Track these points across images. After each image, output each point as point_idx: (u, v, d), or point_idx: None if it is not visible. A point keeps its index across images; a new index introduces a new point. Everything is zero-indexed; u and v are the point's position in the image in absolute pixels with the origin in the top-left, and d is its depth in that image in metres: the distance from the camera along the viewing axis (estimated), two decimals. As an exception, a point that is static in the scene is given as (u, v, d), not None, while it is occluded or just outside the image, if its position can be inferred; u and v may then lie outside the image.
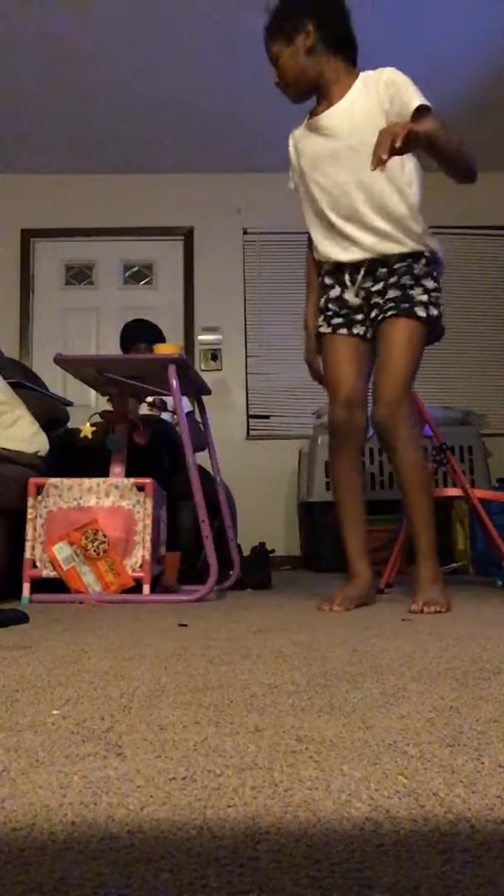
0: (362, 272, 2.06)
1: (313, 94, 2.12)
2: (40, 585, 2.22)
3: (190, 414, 3.05)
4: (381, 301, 2.03)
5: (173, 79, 4.22)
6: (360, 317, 2.08)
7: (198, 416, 2.73)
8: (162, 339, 3.34)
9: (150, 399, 3.04)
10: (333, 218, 2.06)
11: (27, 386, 2.83)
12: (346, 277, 2.08)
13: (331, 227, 2.08)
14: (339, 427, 2.06)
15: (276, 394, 4.97)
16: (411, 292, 1.99)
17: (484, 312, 5.10)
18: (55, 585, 2.21)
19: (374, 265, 2.04)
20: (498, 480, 4.06)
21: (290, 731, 0.67)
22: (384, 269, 2.04)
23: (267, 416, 4.97)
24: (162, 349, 2.39)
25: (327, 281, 2.14)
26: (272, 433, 4.91)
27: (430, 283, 2.02)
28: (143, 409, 3.15)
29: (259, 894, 0.37)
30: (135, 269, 5.23)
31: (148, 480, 2.27)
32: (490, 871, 0.39)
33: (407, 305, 1.98)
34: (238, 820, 0.46)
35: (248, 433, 4.89)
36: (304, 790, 0.52)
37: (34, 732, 0.68)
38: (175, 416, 3.14)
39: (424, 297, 2.00)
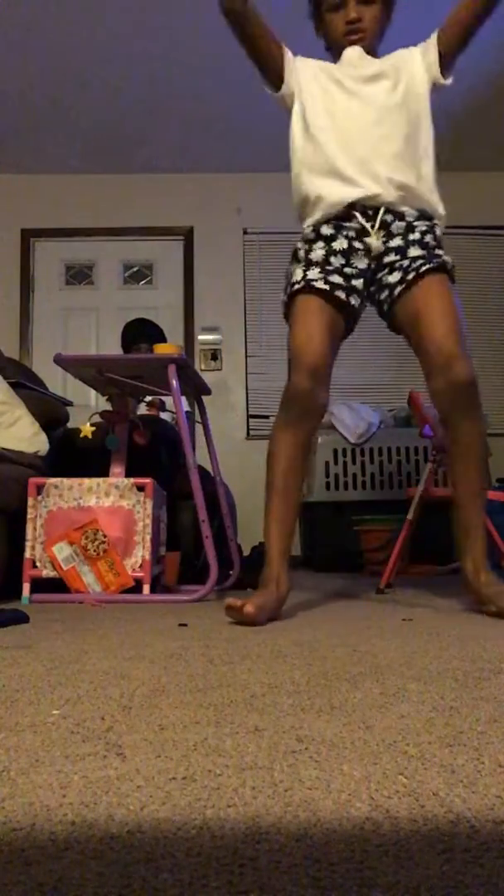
0: (378, 219, 1.82)
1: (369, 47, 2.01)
2: (40, 585, 2.22)
3: (189, 414, 3.05)
4: (399, 259, 1.79)
5: (173, 79, 4.22)
6: (359, 283, 1.82)
7: (198, 417, 2.73)
8: (163, 339, 3.34)
9: (148, 399, 3.04)
10: (342, 160, 1.84)
11: (27, 386, 2.83)
12: (362, 220, 1.82)
13: (334, 171, 1.85)
14: (301, 398, 1.73)
15: (276, 394, 4.96)
16: (438, 251, 1.81)
17: (484, 312, 5.10)
18: (55, 585, 2.21)
19: (389, 218, 1.82)
20: (498, 480, 4.06)
21: (290, 731, 0.67)
22: (401, 223, 1.83)
23: (267, 416, 4.96)
24: (162, 349, 2.39)
25: (325, 231, 1.84)
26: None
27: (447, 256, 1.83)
28: (142, 409, 3.15)
29: (259, 894, 0.37)
30: (135, 269, 5.23)
31: (148, 480, 2.27)
32: (490, 871, 0.39)
33: (440, 259, 1.77)
34: (238, 820, 0.46)
35: (248, 433, 4.89)
36: (304, 790, 0.52)
37: (34, 732, 0.68)
38: (174, 416, 3.15)
39: (449, 259, 1.82)
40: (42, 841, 0.44)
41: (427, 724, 0.69)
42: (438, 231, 1.89)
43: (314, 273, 1.81)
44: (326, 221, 1.84)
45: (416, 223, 1.84)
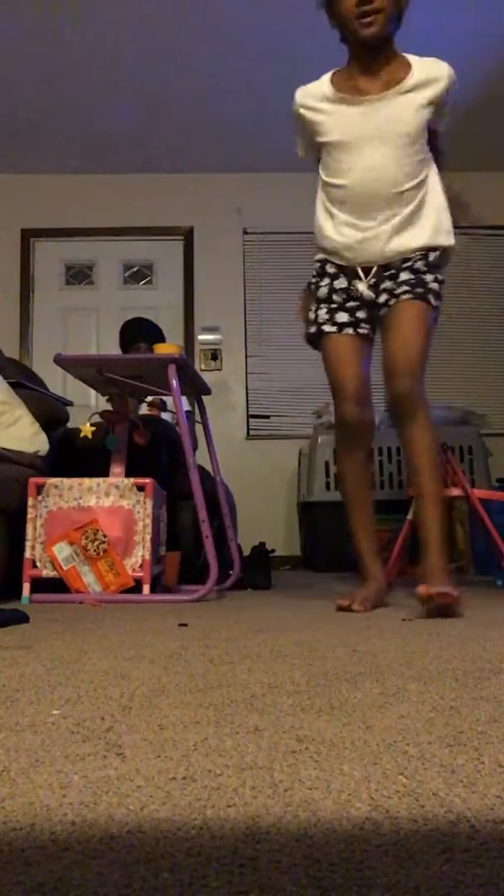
0: (374, 269, 2.00)
1: (379, 47, 1.94)
2: (40, 585, 2.22)
3: (189, 414, 3.05)
4: (392, 285, 1.96)
5: (173, 79, 4.22)
6: (363, 315, 2.03)
7: (198, 417, 2.73)
8: (162, 339, 3.34)
9: (149, 399, 3.04)
10: (353, 203, 1.99)
11: (27, 386, 2.83)
12: (359, 270, 2.01)
13: (347, 214, 2.01)
14: (352, 424, 1.99)
15: (276, 394, 4.97)
16: (426, 277, 1.94)
17: (484, 312, 5.10)
18: (55, 585, 2.21)
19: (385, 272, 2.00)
20: (498, 480, 4.06)
21: (290, 731, 0.67)
22: (398, 259, 1.98)
23: (267, 416, 4.96)
24: (162, 349, 2.39)
25: (329, 269, 2.06)
26: (272, 433, 4.91)
27: (440, 275, 1.98)
28: (143, 409, 3.15)
29: (259, 894, 0.37)
30: (135, 269, 5.23)
31: (148, 480, 2.27)
32: (490, 871, 0.39)
33: (421, 290, 1.92)
34: (238, 820, 0.46)
35: (248, 433, 4.89)
36: (304, 790, 0.52)
37: (34, 732, 0.68)
38: (174, 416, 3.14)
39: (436, 286, 1.95)
40: (42, 841, 0.44)
41: (427, 724, 0.69)
42: (432, 257, 1.97)
43: (322, 315, 2.04)
44: (330, 262, 2.05)
45: (413, 254, 1.97)
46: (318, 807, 0.48)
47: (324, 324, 2.04)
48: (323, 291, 2.05)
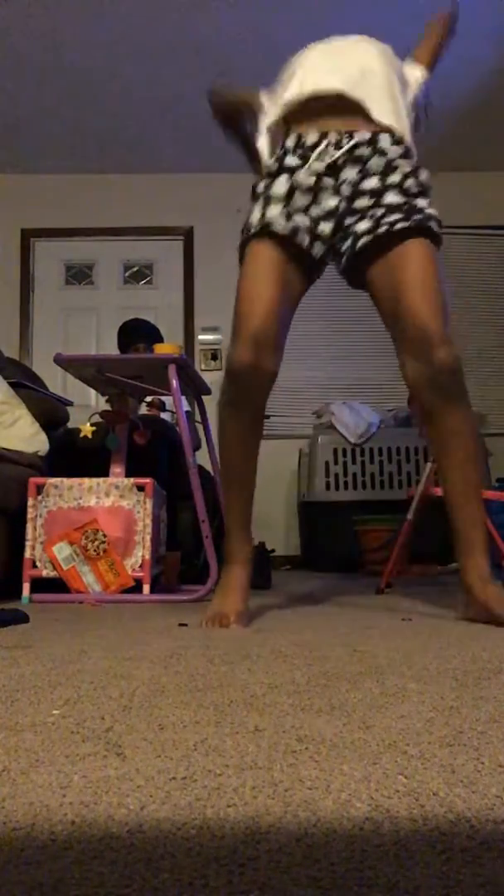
0: (344, 141, 1.56)
1: None
2: (40, 585, 2.22)
3: (189, 414, 3.06)
4: (371, 205, 1.53)
5: (173, 79, 4.22)
6: (327, 227, 1.57)
7: (198, 417, 2.73)
8: (160, 339, 3.34)
9: (148, 399, 3.04)
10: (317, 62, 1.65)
11: (27, 386, 2.83)
12: (332, 141, 1.56)
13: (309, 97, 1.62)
14: (243, 372, 1.52)
15: (276, 394, 4.95)
16: (421, 202, 1.54)
17: (484, 312, 5.10)
18: (55, 585, 2.21)
19: (365, 152, 1.56)
20: (498, 480, 4.06)
21: (290, 731, 0.67)
22: (380, 160, 1.55)
23: (267, 416, 4.96)
24: (162, 349, 2.39)
25: (290, 161, 1.59)
26: (272, 433, 4.91)
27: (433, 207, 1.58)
28: (142, 409, 3.15)
29: (259, 894, 0.37)
30: (135, 269, 5.23)
31: (148, 480, 2.27)
32: (490, 871, 0.39)
33: (420, 217, 1.51)
34: (238, 820, 0.46)
35: (248, 433, 4.89)
36: (304, 790, 0.52)
37: (34, 732, 0.68)
38: (174, 416, 3.14)
39: (433, 212, 1.56)
40: (42, 841, 0.44)
41: (427, 724, 0.69)
42: (424, 175, 1.59)
43: (274, 211, 1.55)
44: (292, 150, 1.60)
45: (397, 161, 1.56)
46: (318, 807, 0.48)
47: (274, 221, 1.56)
48: (280, 189, 1.58)
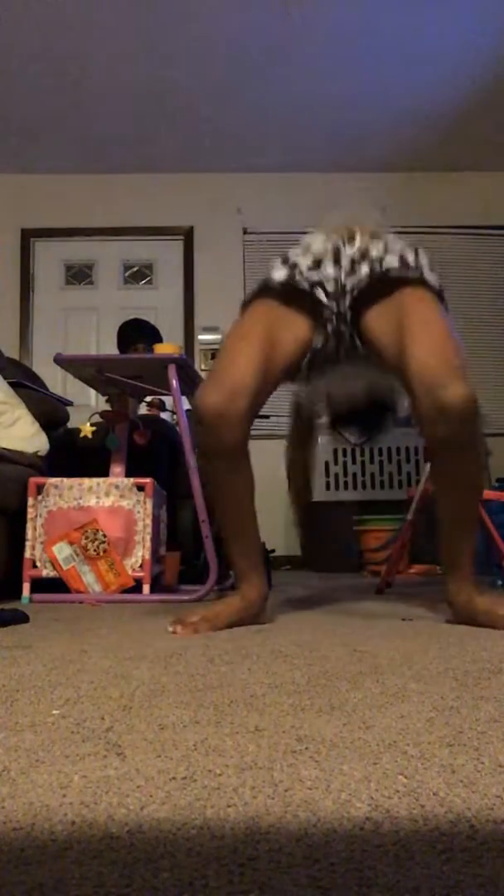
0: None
1: None
2: (40, 585, 2.22)
3: (189, 413, 3.06)
4: (368, 268, 1.55)
5: (173, 79, 4.22)
6: (330, 286, 1.56)
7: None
8: (160, 339, 3.34)
9: (148, 399, 3.04)
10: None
11: (27, 386, 2.83)
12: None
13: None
14: (207, 414, 1.43)
15: (276, 393, 4.96)
16: (421, 262, 1.56)
17: (484, 312, 5.10)
18: (55, 585, 2.21)
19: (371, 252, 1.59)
20: (498, 480, 4.06)
21: (290, 731, 0.67)
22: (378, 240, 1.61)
23: (267, 416, 4.96)
24: (162, 349, 2.39)
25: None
26: (272, 433, 4.91)
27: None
28: (142, 409, 3.15)
29: (259, 894, 0.37)
30: (135, 269, 5.23)
31: (148, 480, 2.27)
32: (490, 871, 0.39)
33: (420, 271, 1.52)
34: (238, 820, 0.46)
35: (248, 433, 4.89)
36: (304, 790, 0.52)
37: (34, 732, 0.68)
38: (174, 416, 3.14)
39: (435, 278, 1.56)
40: (42, 841, 0.44)
41: (427, 724, 0.69)
42: (424, 259, 1.60)
43: (284, 268, 1.59)
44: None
45: (399, 243, 1.61)
46: (318, 807, 0.48)
47: (282, 279, 1.58)
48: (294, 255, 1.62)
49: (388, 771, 0.55)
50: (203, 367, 4.88)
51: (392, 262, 1.55)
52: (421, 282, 1.52)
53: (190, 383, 2.58)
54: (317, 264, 1.59)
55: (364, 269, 1.55)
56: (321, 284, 1.57)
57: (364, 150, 4.94)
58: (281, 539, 4.71)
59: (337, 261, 1.59)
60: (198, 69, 4.14)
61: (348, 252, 1.59)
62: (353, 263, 1.57)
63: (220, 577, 2.36)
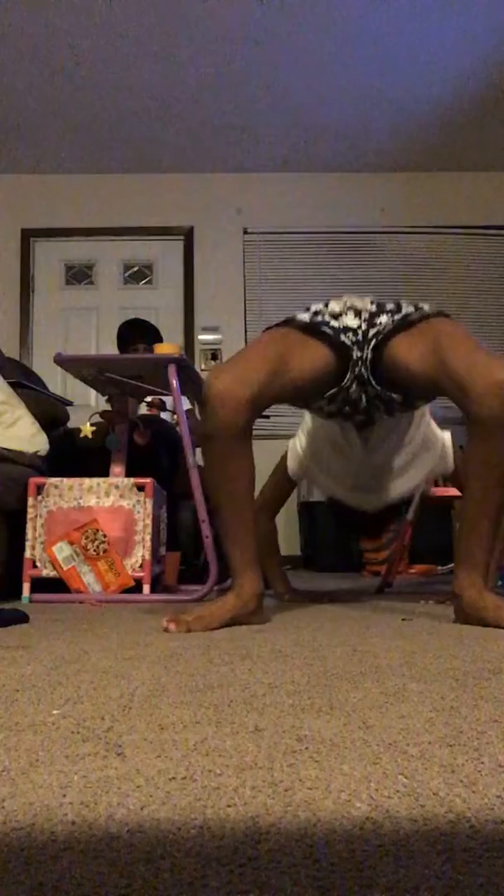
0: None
1: None
2: (40, 585, 2.22)
3: (189, 412, 3.06)
4: (388, 318, 1.68)
5: (173, 79, 4.22)
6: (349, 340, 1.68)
7: (198, 415, 2.73)
8: (159, 339, 3.34)
9: (148, 399, 3.04)
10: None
11: (27, 386, 2.83)
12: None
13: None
14: (214, 395, 1.49)
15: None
16: (422, 306, 1.69)
17: (484, 312, 5.10)
18: (55, 585, 2.21)
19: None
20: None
21: (290, 731, 0.67)
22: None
23: (267, 416, 4.96)
24: (162, 349, 2.39)
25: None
26: (272, 433, 4.91)
27: None
28: (142, 409, 3.15)
29: (259, 894, 0.37)
30: (135, 269, 5.23)
31: (148, 480, 2.27)
32: (490, 871, 0.39)
33: (432, 310, 1.67)
34: (238, 820, 0.46)
35: (248, 433, 4.88)
36: (304, 790, 0.52)
37: (34, 732, 0.68)
38: (174, 416, 3.14)
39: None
40: (42, 841, 0.44)
41: (427, 724, 0.69)
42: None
43: (320, 314, 1.70)
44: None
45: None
46: (318, 807, 0.48)
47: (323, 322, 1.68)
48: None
49: (388, 771, 0.55)
50: (203, 367, 4.88)
51: (408, 309, 1.68)
52: (438, 314, 1.65)
53: (190, 383, 2.58)
54: (337, 317, 1.70)
55: (384, 319, 1.67)
56: (344, 332, 1.67)
57: (364, 150, 4.94)
58: (281, 539, 4.71)
59: (357, 314, 1.71)
60: (198, 69, 4.14)
61: (367, 307, 1.72)
62: (372, 316, 1.69)
63: (221, 577, 2.36)
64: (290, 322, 1.70)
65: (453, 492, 2.70)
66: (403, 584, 2.81)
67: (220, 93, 4.34)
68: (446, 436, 2.15)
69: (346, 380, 1.69)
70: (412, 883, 0.38)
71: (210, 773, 0.56)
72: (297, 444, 2.16)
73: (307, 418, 2.13)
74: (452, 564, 3.63)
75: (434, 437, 2.11)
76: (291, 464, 2.16)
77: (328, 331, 1.66)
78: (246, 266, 5.12)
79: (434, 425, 2.12)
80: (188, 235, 5.15)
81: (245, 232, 5.16)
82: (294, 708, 0.76)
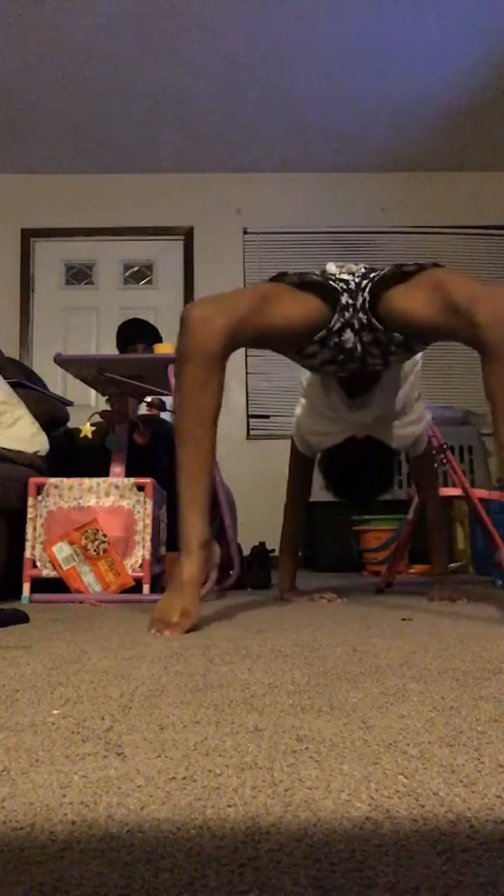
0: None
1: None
2: (40, 585, 2.22)
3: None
4: (379, 274, 1.71)
5: (173, 79, 4.22)
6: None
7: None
8: (159, 339, 3.34)
9: (148, 399, 3.04)
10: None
11: (27, 386, 2.83)
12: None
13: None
14: (192, 322, 1.50)
15: (276, 394, 4.97)
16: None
17: (484, 312, 5.10)
18: (55, 585, 2.21)
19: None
20: (498, 480, 4.06)
21: (290, 731, 0.67)
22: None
23: (267, 416, 4.96)
24: (162, 349, 2.39)
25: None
26: (272, 433, 4.91)
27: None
28: (142, 409, 3.15)
29: (259, 894, 0.37)
30: (135, 269, 5.23)
31: (148, 480, 2.27)
32: (490, 871, 0.39)
33: (408, 264, 1.68)
34: (238, 820, 0.46)
35: (248, 433, 4.89)
36: (304, 790, 0.52)
37: (34, 732, 0.68)
38: (174, 416, 3.14)
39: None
40: (42, 841, 0.44)
41: (427, 724, 0.69)
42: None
43: (310, 273, 1.73)
44: None
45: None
46: (318, 807, 0.48)
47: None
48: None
49: (388, 771, 0.55)
50: (203, 367, 4.88)
51: (405, 265, 1.69)
52: (434, 265, 1.67)
53: (190, 383, 2.58)
54: (329, 276, 1.73)
55: (375, 275, 1.70)
56: (335, 281, 1.70)
57: (364, 150, 4.94)
58: (281, 539, 4.71)
59: (350, 273, 1.75)
60: (198, 69, 4.14)
61: (360, 269, 1.76)
62: (364, 273, 1.73)
63: (220, 577, 2.36)
64: (281, 276, 1.70)
65: (453, 491, 2.70)
66: (403, 584, 2.81)
67: (220, 93, 4.34)
68: (428, 416, 2.19)
69: (332, 321, 1.67)
70: (412, 883, 0.38)
71: (210, 773, 0.56)
72: (295, 420, 2.19)
73: (301, 384, 2.16)
74: (452, 564, 3.62)
75: (422, 411, 2.13)
76: (296, 439, 2.18)
77: (318, 278, 1.67)
78: (246, 266, 5.12)
79: (423, 404, 2.13)
80: (188, 235, 5.15)
81: (245, 232, 5.16)
82: (294, 708, 0.76)
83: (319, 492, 4.16)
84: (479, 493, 2.73)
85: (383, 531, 3.58)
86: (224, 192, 5.15)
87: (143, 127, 4.67)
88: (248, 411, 4.91)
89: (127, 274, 5.22)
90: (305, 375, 2.13)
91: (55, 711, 0.76)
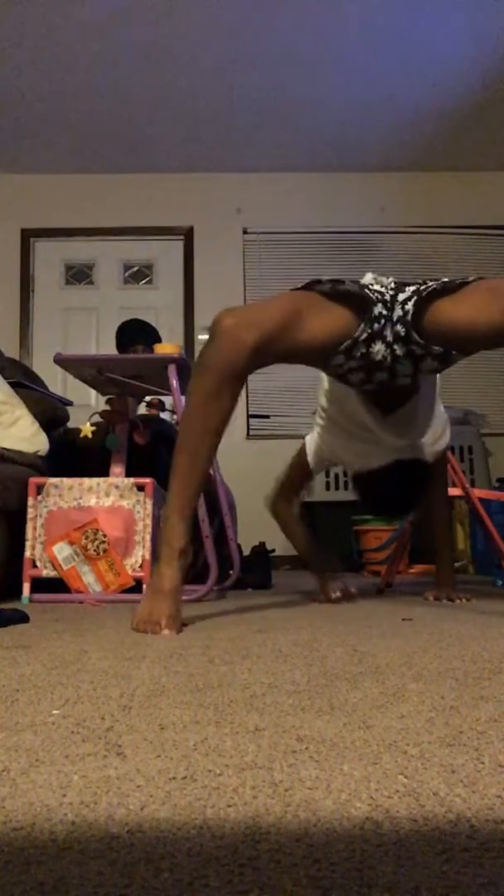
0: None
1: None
2: (40, 585, 2.22)
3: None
4: (413, 287, 1.67)
5: (173, 79, 4.22)
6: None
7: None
8: (159, 339, 3.34)
9: (148, 399, 3.04)
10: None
11: (27, 386, 2.83)
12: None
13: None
14: (221, 333, 1.47)
15: (276, 394, 4.97)
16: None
17: (484, 312, 5.10)
18: (55, 585, 2.21)
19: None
20: (498, 480, 4.06)
21: (290, 731, 0.67)
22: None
23: (267, 416, 4.96)
24: (162, 349, 2.39)
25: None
26: (272, 433, 4.91)
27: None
28: (142, 409, 3.15)
29: (259, 894, 0.37)
30: (135, 268, 5.23)
31: (148, 480, 2.27)
32: (490, 871, 0.39)
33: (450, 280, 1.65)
34: (238, 820, 0.46)
35: (248, 433, 4.89)
36: (304, 790, 0.52)
37: (34, 732, 0.68)
38: (174, 416, 3.14)
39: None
40: (42, 841, 0.44)
41: (427, 724, 0.69)
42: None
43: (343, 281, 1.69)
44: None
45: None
46: (318, 807, 0.48)
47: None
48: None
49: (388, 771, 0.55)
50: (203, 367, 4.88)
51: (451, 280, 1.65)
52: (478, 278, 1.65)
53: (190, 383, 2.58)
54: (364, 285, 1.68)
55: (410, 287, 1.65)
56: (368, 289, 1.65)
57: (364, 150, 4.94)
58: (281, 539, 4.71)
59: (382, 286, 1.70)
60: (197, 69, 4.14)
61: (391, 283, 1.72)
62: (397, 287, 1.69)
63: (220, 577, 2.36)
64: (313, 285, 1.64)
65: (453, 491, 2.70)
66: (403, 584, 2.81)
67: (220, 93, 4.34)
68: (446, 416, 2.16)
69: (359, 332, 1.60)
70: (412, 883, 0.38)
71: (210, 773, 0.56)
72: (314, 439, 2.16)
73: (320, 405, 2.10)
74: (459, 563, 3.62)
75: (441, 415, 2.11)
76: (311, 458, 2.15)
77: (350, 288, 1.61)
78: (246, 266, 5.12)
79: (440, 405, 2.11)
80: (188, 235, 5.15)
81: (245, 232, 5.16)
82: (294, 708, 0.76)
83: (319, 492, 4.17)
84: (480, 493, 2.73)
85: (383, 531, 3.58)
86: (224, 192, 5.15)
87: (144, 127, 4.67)
88: (248, 411, 4.91)
89: (127, 274, 5.22)
90: (324, 395, 2.06)
91: (55, 711, 0.76)
